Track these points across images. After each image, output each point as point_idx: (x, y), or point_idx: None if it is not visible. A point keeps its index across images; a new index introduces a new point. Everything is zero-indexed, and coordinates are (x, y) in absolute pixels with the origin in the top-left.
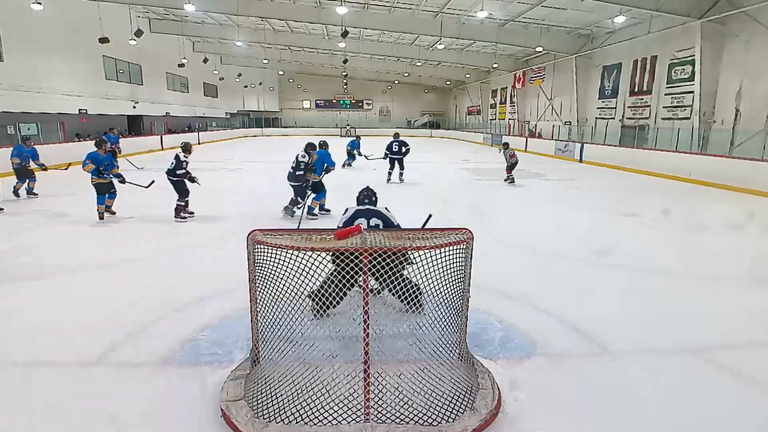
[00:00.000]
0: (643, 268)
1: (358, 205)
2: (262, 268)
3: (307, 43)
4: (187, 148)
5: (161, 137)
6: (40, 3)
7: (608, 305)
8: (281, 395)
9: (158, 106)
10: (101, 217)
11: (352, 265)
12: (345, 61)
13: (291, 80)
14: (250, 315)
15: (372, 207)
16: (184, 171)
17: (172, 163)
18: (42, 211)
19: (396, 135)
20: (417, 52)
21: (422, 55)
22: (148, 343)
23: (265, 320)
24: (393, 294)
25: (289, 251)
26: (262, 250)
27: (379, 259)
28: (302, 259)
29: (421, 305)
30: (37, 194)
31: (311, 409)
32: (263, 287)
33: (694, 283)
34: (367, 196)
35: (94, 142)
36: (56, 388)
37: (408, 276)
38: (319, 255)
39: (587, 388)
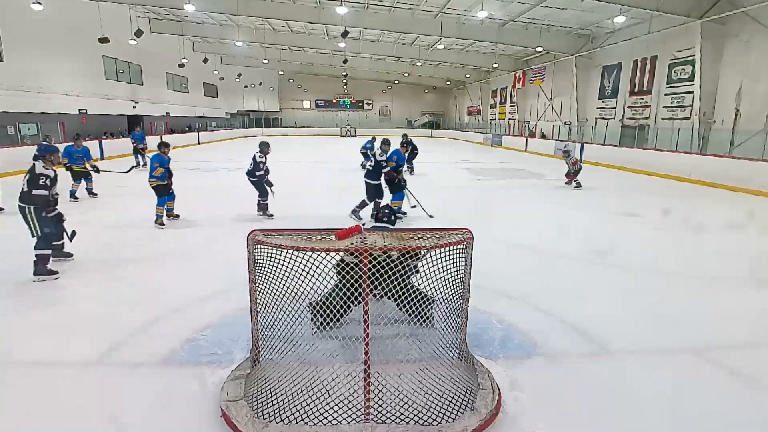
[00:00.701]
0: (643, 268)
1: (376, 222)
2: (262, 268)
3: (307, 43)
4: (263, 149)
5: (161, 137)
6: (40, 3)
7: (608, 305)
8: (281, 395)
9: (158, 106)
10: (160, 222)
11: (357, 277)
12: (345, 61)
13: (291, 80)
14: (250, 315)
15: (389, 226)
16: (262, 172)
17: (251, 165)
18: None
19: (405, 135)
20: (417, 52)
21: (422, 55)
22: (148, 343)
23: (265, 320)
24: (400, 306)
25: (289, 251)
26: (262, 250)
27: (382, 265)
28: (302, 259)
29: (430, 318)
30: (96, 194)
31: (311, 409)
32: (263, 287)
33: (694, 283)
34: (386, 214)
35: (158, 144)
36: (56, 388)
37: (417, 286)
38: (319, 255)
39: (587, 388)
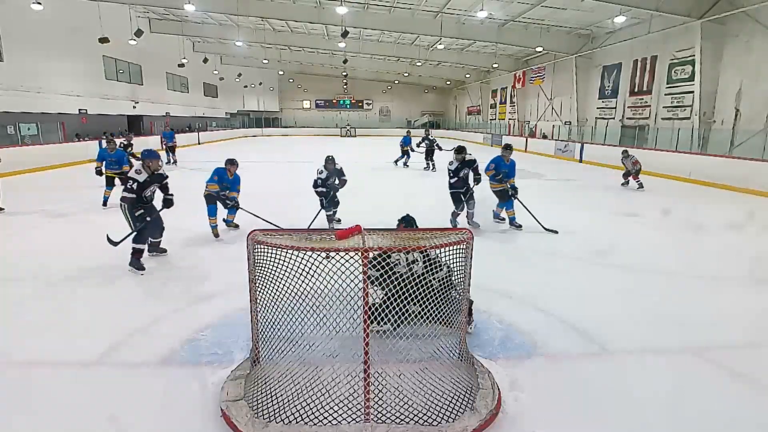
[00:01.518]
0: (643, 268)
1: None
2: (262, 268)
3: (307, 43)
4: (327, 167)
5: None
6: (40, 3)
7: (608, 305)
8: (281, 395)
9: (158, 106)
10: (215, 233)
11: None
12: (345, 61)
13: (291, 80)
14: (250, 315)
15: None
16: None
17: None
18: (42, 211)
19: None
20: (417, 52)
21: (422, 55)
22: (148, 343)
23: (265, 320)
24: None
25: (288, 251)
26: (262, 250)
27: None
28: (302, 259)
29: (469, 317)
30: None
31: (311, 409)
32: (263, 287)
33: (694, 283)
34: (408, 223)
35: (227, 160)
36: (56, 388)
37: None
38: (319, 255)
39: (587, 388)
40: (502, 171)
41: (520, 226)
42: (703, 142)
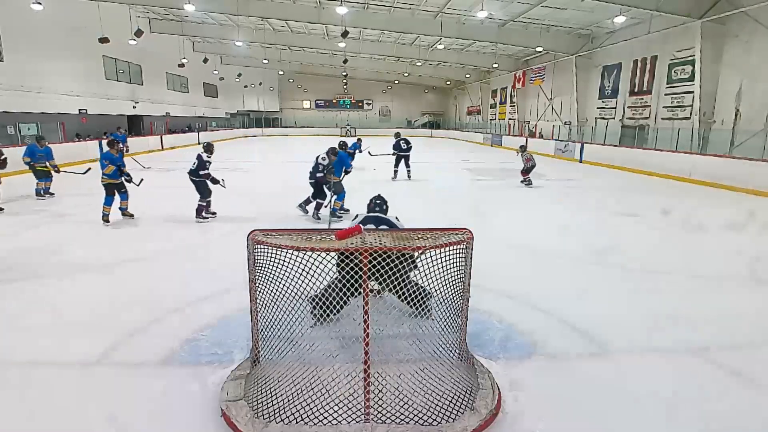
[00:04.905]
0: (643, 268)
1: (368, 212)
2: (262, 268)
3: (307, 43)
4: (209, 149)
5: (161, 137)
6: (40, 3)
7: (608, 305)
8: (281, 395)
9: (158, 106)
10: (106, 219)
11: (356, 269)
12: (345, 61)
13: (291, 80)
14: (250, 315)
15: (382, 215)
16: (206, 171)
17: (195, 163)
18: (42, 211)
19: (398, 134)
20: (417, 52)
21: (422, 55)
22: (148, 343)
23: (265, 320)
24: (399, 298)
25: (289, 251)
26: (262, 250)
27: (381, 260)
28: (302, 259)
29: (429, 310)
30: (53, 194)
31: (311, 409)
32: (263, 287)
33: (694, 283)
34: (378, 204)
35: (106, 142)
36: (56, 388)
37: (415, 280)
38: (319, 255)
39: (587, 388)
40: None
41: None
42: (703, 142)
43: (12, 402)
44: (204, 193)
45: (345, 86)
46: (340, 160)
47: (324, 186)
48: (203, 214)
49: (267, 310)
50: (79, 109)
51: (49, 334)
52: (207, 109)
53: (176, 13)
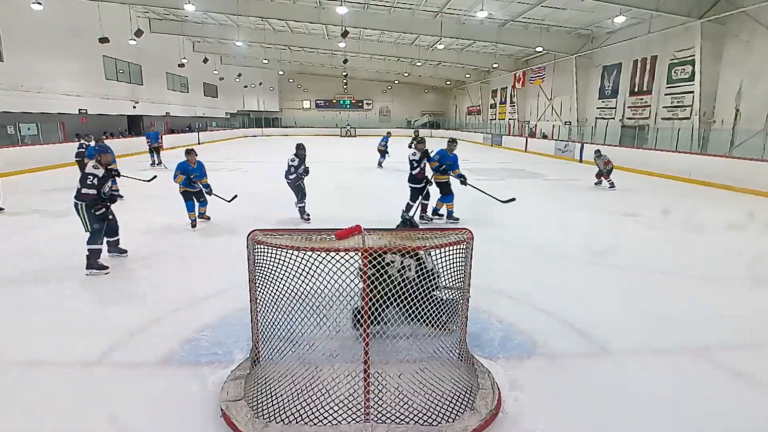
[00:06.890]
0: (643, 268)
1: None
2: (262, 268)
3: (307, 43)
4: (296, 149)
5: (161, 137)
6: (40, 3)
7: (608, 305)
8: (281, 395)
9: (158, 106)
10: (193, 225)
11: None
12: (345, 61)
13: (291, 80)
14: (250, 315)
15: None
16: (294, 175)
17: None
18: (42, 211)
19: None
20: (417, 52)
21: (422, 55)
22: (148, 343)
23: (265, 320)
24: (419, 320)
25: (288, 251)
26: (262, 250)
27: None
28: (302, 259)
29: (449, 325)
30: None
31: (311, 409)
32: (263, 287)
33: (694, 283)
34: (406, 228)
35: (184, 151)
36: (56, 388)
37: (440, 295)
38: (319, 255)
39: (587, 388)
40: (446, 163)
41: (458, 219)
42: (703, 142)
43: (12, 402)
44: (297, 194)
45: (345, 86)
46: (452, 160)
47: (426, 185)
48: (303, 216)
49: (267, 310)
50: (79, 109)
51: (48, 334)
52: (207, 109)
53: (176, 13)
